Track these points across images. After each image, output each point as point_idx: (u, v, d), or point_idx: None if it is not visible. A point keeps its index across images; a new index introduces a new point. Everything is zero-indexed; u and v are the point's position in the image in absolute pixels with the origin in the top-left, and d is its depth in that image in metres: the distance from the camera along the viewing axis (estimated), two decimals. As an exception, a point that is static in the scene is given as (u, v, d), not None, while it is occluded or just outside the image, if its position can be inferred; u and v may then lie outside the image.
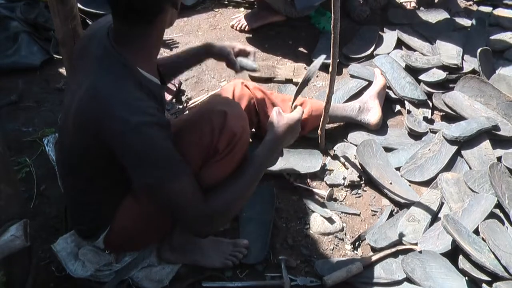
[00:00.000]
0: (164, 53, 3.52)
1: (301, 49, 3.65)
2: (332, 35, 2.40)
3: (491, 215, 2.42)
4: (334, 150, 2.87)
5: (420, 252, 2.32)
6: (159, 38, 1.86)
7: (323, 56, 2.26)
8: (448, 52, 3.36)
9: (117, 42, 1.77)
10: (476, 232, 2.34)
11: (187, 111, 3.03)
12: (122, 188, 1.96)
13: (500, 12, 3.91)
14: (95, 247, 2.13)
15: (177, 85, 3.19)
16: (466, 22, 3.78)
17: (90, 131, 1.75)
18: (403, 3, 4.06)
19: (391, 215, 2.57)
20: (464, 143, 2.80)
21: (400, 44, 3.61)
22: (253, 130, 2.77)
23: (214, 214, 1.87)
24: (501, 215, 2.46)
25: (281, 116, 2.09)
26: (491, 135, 2.85)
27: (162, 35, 1.87)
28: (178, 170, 1.78)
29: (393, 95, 3.18)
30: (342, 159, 2.81)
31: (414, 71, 3.28)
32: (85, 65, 1.82)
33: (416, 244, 2.38)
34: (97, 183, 1.94)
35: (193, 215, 1.83)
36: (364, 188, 2.71)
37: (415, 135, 2.97)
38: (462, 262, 2.24)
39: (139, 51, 1.79)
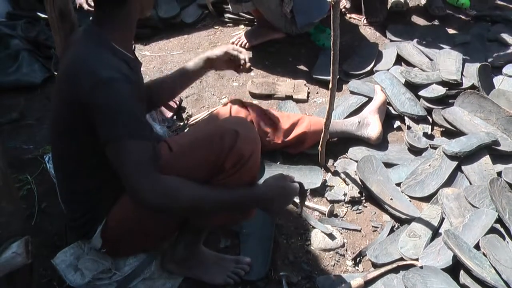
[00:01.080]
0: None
1: (301, 66, 3.67)
2: (332, 52, 2.41)
3: (492, 230, 2.41)
4: (335, 166, 2.87)
5: (421, 267, 2.31)
6: (132, 21, 2.00)
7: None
8: (448, 67, 3.37)
9: (95, 25, 1.96)
10: (477, 247, 2.34)
11: (187, 129, 3.04)
12: (110, 177, 1.90)
13: (499, 27, 3.94)
14: (93, 249, 2.15)
15: (177, 102, 3.20)
16: (465, 37, 3.81)
17: (71, 91, 1.86)
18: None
19: (392, 230, 2.57)
20: (464, 159, 2.81)
21: (399, 60, 3.62)
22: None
23: (160, 191, 1.79)
24: (502, 230, 2.45)
25: (283, 179, 2.09)
26: (491, 150, 2.85)
27: (134, 19, 2.01)
28: (137, 131, 1.80)
29: (393, 111, 3.18)
30: (343, 175, 2.81)
31: (413, 87, 3.29)
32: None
33: (417, 259, 2.37)
34: (85, 164, 1.99)
35: (138, 182, 1.77)
36: (365, 204, 2.71)
37: (415, 151, 2.97)
38: (463, 277, 2.23)
39: (115, 31, 1.94)
